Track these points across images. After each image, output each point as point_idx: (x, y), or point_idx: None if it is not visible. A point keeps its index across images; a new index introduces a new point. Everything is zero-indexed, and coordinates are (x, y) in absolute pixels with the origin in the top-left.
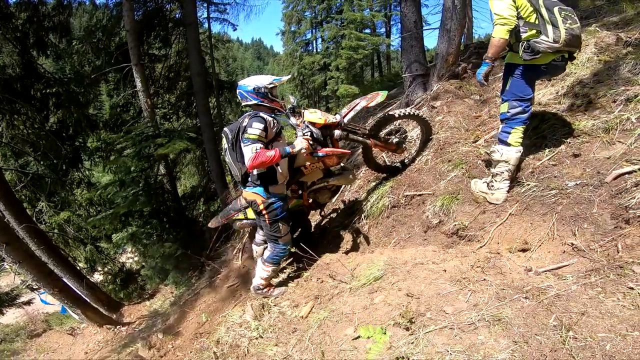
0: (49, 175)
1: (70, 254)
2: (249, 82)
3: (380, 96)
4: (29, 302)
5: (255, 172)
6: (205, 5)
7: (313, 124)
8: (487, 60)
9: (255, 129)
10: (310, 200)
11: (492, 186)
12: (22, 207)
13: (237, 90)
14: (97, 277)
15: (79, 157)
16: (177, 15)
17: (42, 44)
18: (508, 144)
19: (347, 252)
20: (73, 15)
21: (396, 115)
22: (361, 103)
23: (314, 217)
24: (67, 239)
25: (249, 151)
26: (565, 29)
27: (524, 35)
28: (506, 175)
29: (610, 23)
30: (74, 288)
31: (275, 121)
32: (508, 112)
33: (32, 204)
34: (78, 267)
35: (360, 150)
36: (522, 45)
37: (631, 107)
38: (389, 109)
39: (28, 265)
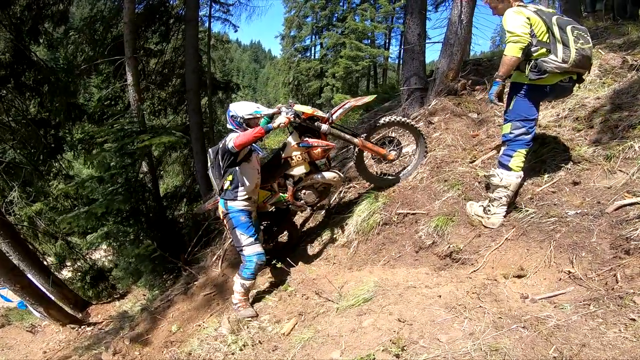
0: (24, 164)
1: (40, 248)
2: (232, 107)
3: (368, 97)
4: None
5: (225, 186)
6: (208, 3)
7: (302, 113)
8: (497, 80)
9: (231, 139)
10: (298, 200)
11: (489, 210)
12: None
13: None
14: (66, 274)
15: (60, 147)
16: (180, 11)
17: (35, 32)
18: (509, 169)
19: (334, 268)
20: (75, 5)
21: (392, 121)
22: (350, 102)
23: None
24: (37, 232)
25: (231, 137)
26: (576, 49)
27: (534, 54)
28: (504, 201)
29: (614, 45)
30: (38, 285)
31: (284, 118)
32: (511, 132)
33: (2, 193)
34: (46, 263)
35: (353, 157)
36: (529, 64)
37: (634, 134)
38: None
39: None
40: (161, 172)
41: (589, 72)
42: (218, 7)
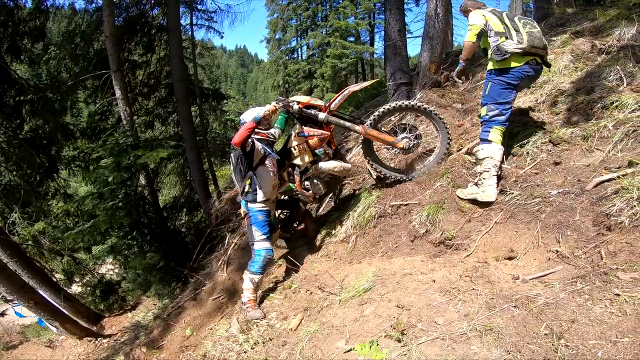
0: (22, 186)
1: (47, 265)
2: (242, 116)
3: (367, 82)
4: (2, 314)
5: (245, 189)
6: (189, 12)
7: (297, 102)
8: (461, 61)
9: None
10: (307, 190)
11: (482, 184)
12: None
13: None
14: (76, 289)
15: (54, 167)
16: (161, 22)
17: (16, 49)
18: (490, 142)
19: (335, 263)
20: (51, 20)
21: (400, 105)
22: (349, 88)
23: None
24: (42, 250)
25: None
26: (527, 32)
27: (495, 43)
28: (493, 172)
29: (584, 30)
30: (50, 300)
31: (263, 149)
32: (487, 114)
33: (3, 215)
34: (55, 279)
35: (362, 147)
36: (492, 50)
37: (608, 114)
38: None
39: (0, 278)
40: (159, 184)
41: (547, 54)
42: (200, 14)
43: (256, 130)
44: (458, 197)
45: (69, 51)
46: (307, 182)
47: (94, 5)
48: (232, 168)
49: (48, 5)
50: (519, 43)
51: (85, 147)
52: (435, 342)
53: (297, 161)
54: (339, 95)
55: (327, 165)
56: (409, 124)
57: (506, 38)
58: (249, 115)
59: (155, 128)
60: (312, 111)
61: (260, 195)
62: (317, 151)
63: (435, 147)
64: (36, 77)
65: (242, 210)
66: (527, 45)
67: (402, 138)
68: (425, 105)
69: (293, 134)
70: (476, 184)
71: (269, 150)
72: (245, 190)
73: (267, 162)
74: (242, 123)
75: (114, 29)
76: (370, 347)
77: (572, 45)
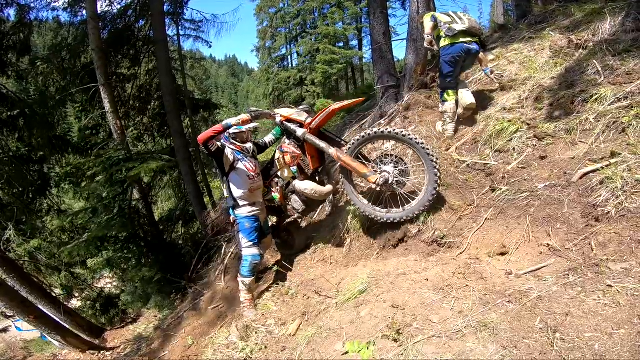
0: (15, 204)
1: (45, 281)
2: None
3: (350, 100)
4: (4, 330)
5: (226, 194)
6: (176, 22)
7: (281, 115)
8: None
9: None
10: (287, 205)
11: (445, 124)
12: None
13: None
14: (75, 303)
15: (47, 183)
16: (148, 33)
17: (1, 64)
18: (445, 100)
19: (331, 267)
20: (36, 34)
21: (379, 133)
22: (332, 106)
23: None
24: (39, 266)
25: None
26: (467, 19)
27: (446, 27)
28: (450, 119)
29: (562, 27)
30: (51, 315)
31: (232, 154)
32: (440, 85)
33: None
34: (54, 294)
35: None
36: (444, 30)
37: (589, 108)
38: (364, 121)
39: None
40: (154, 198)
41: (482, 35)
42: (188, 25)
43: (232, 141)
44: (436, 129)
45: (56, 65)
46: (289, 196)
47: (79, 18)
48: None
49: (32, 18)
50: (462, 26)
51: (77, 163)
52: (432, 340)
53: (279, 174)
54: (320, 113)
55: (300, 185)
56: (394, 156)
57: (452, 23)
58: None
59: (147, 141)
60: (293, 126)
61: (240, 201)
62: (291, 169)
63: (420, 186)
64: (23, 92)
65: (232, 217)
66: (467, 27)
67: (381, 172)
68: (410, 135)
69: (278, 146)
70: (442, 125)
71: (239, 155)
72: (225, 195)
73: (239, 166)
74: (228, 124)
75: (99, 42)
76: (360, 346)
77: (551, 42)
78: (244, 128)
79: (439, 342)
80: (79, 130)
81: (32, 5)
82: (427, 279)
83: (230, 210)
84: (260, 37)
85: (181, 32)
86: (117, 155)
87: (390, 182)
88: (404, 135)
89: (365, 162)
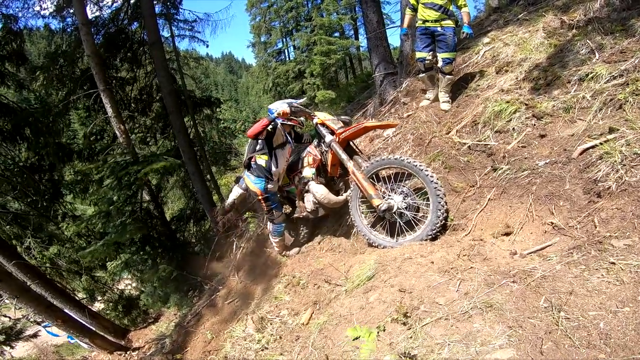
0: (30, 213)
1: (68, 285)
2: (271, 106)
3: (384, 122)
4: (35, 335)
5: (262, 163)
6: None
7: (317, 117)
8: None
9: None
10: (302, 202)
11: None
12: (8, 245)
13: None
14: (99, 306)
15: (58, 191)
16: (143, 36)
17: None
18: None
19: (340, 256)
20: (29, 42)
21: (390, 160)
22: (364, 123)
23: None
24: (61, 271)
25: None
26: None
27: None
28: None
29: (555, 7)
30: (77, 318)
31: (284, 137)
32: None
33: (19, 240)
34: (77, 298)
35: None
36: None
37: (585, 86)
38: (364, 109)
39: (25, 300)
40: (163, 198)
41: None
42: (182, 25)
43: (290, 117)
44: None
45: (54, 73)
46: (305, 195)
47: (70, 25)
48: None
49: (21, 27)
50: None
51: (85, 168)
52: (439, 322)
53: (303, 172)
54: (352, 127)
55: (314, 187)
56: (407, 187)
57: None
58: (276, 106)
59: (152, 143)
60: (324, 131)
61: (273, 176)
62: (311, 169)
63: (421, 224)
64: (24, 101)
65: (259, 192)
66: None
67: (386, 198)
68: (414, 162)
69: (308, 146)
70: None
71: (289, 139)
72: (259, 164)
73: (285, 147)
74: (271, 112)
75: (94, 47)
76: (370, 330)
77: (544, 23)
78: (274, 113)
79: (446, 323)
80: (83, 137)
81: (19, 14)
82: (433, 262)
83: (261, 187)
84: (254, 33)
85: (176, 33)
86: (124, 159)
87: (392, 211)
88: (420, 170)
89: (377, 185)
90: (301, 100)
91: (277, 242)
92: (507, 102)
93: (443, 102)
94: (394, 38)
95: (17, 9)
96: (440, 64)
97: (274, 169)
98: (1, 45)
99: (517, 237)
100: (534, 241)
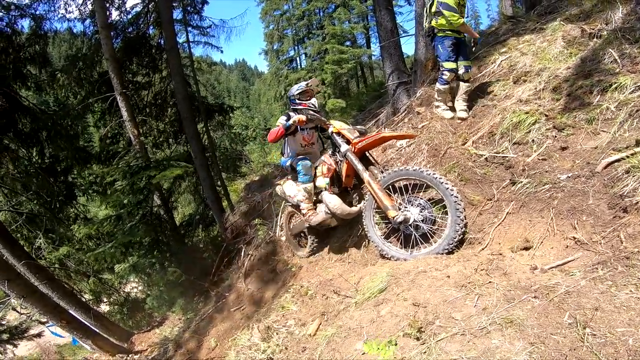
0: (43, 214)
1: (75, 286)
2: (290, 92)
3: (401, 133)
4: (39, 335)
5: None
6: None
7: (333, 126)
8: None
9: (280, 120)
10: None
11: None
12: (19, 245)
13: None
14: (104, 308)
15: (72, 193)
16: (159, 41)
17: (21, 76)
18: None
19: (349, 266)
20: (51, 45)
21: (404, 170)
22: (381, 134)
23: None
24: (69, 272)
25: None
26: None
27: None
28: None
29: (572, 16)
30: (81, 319)
31: (297, 117)
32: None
33: (29, 241)
34: (84, 299)
35: None
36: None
37: (608, 97)
38: (377, 118)
39: (32, 300)
40: (174, 203)
41: None
42: (197, 32)
43: (299, 100)
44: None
45: (73, 76)
46: (317, 204)
47: (91, 27)
48: None
49: (46, 29)
50: None
51: (100, 172)
52: (455, 337)
53: (316, 181)
54: (369, 137)
55: (327, 197)
56: (424, 200)
57: None
58: (294, 90)
59: (165, 148)
60: (340, 140)
61: (290, 152)
62: (325, 179)
63: (438, 238)
64: (43, 103)
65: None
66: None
67: (402, 210)
68: (433, 174)
69: (296, 122)
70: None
71: (301, 127)
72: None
73: (296, 135)
74: (290, 96)
75: (112, 51)
76: (381, 345)
77: (563, 32)
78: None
79: (462, 339)
80: (99, 140)
81: (47, 16)
82: (449, 276)
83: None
84: (267, 41)
85: (191, 39)
86: (137, 163)
87: (409, 223)
88: (440, 182)
89: (393, 196)
90: (359, 127)
91: (302, 193)
92: (526, 112)
93: (460, 110)
94: (407, 47)
95: (43, 12)
96: (461, 71)
97: (287, 150)
98: (25, 47)
99: (537, 252)
100: (555, 256)
